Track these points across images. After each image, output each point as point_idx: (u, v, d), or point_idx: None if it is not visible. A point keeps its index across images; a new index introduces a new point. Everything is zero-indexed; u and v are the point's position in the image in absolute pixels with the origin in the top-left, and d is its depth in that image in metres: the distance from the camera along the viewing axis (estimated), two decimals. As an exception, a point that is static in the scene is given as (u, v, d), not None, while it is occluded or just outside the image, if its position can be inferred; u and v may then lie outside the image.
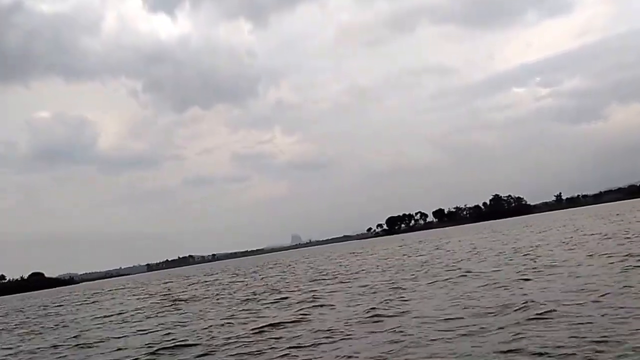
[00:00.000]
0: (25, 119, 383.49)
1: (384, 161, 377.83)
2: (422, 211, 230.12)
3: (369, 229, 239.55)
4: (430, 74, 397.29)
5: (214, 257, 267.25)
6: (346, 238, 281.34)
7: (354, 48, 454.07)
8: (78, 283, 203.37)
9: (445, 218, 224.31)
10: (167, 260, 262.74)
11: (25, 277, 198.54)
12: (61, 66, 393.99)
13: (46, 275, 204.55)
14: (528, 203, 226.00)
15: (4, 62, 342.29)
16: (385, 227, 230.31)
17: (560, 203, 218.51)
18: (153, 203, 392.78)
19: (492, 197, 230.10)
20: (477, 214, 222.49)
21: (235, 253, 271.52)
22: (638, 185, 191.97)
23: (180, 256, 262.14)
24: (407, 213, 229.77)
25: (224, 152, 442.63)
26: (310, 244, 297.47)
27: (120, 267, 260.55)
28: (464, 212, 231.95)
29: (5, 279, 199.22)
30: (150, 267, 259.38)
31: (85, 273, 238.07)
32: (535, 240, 31.29)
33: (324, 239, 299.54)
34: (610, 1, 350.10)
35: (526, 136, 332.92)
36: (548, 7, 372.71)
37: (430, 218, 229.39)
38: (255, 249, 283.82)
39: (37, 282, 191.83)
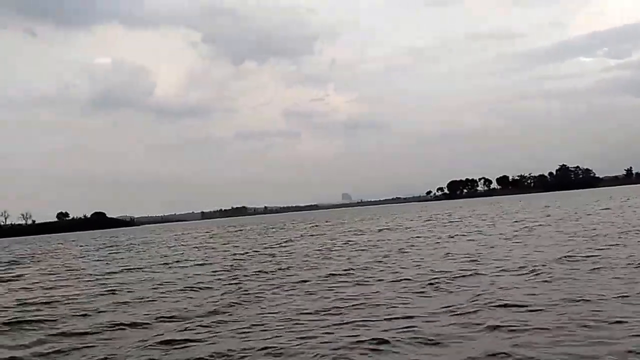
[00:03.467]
0: (87, 64, 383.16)
1: (440, 125, 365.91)
2: (486, 177, 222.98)
3: (429, 192, 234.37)
4: (493, 39, 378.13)
5: (266, 210, 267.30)
6: (397, 200, 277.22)
7: (415, 7, 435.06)
8: (137, 225, 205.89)
9: (510, 186, 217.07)
10: (221, 209, 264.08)
11: (89, 216, 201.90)
12: (123, 13, 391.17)
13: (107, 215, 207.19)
14: (597, 175, 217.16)
15: (68, 7, 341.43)
16: (446, 191, 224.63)
17: (630, 177, 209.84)
18: (205, 153, 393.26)
19: (558, 167, 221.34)
20: (542, 183, 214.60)
21: (288, 207, 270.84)
22: None
23: (234, 206, 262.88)
24: (469, 178, 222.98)
25: (276, 107, 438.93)
26: (361, 203, 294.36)
27: (175, 213, 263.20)
28: (529, 181, 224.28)
29: (69, 217, 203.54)
30: (204, 215, 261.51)
31: (142, 216, 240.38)
32: None
33: (375, 200, 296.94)
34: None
35: (593, 107, 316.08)
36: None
37: (494, 185, 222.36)
38: (306, 204, 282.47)
39: (99, 221, 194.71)
